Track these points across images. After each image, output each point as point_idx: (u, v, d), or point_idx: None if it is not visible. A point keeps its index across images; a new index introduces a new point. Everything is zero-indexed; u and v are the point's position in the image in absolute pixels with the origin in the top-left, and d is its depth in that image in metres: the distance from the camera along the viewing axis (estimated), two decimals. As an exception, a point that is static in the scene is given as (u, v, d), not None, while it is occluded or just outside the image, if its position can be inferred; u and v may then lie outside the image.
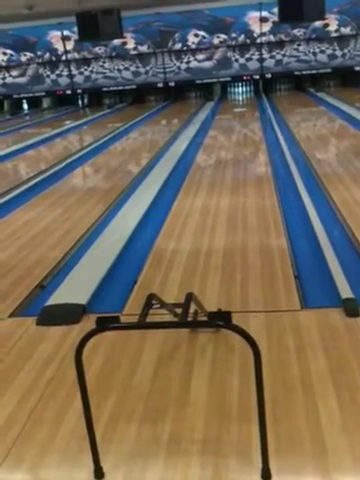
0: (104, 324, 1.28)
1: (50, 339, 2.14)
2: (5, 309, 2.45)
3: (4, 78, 13.21)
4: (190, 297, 1.51)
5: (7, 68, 13.10)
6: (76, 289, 2.59)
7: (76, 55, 12.74)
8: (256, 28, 12.03)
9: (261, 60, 12.29)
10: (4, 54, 12.97)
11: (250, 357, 1.31)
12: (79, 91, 13.04)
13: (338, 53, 12.09)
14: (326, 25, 11.76)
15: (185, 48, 12.34)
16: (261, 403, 1.28)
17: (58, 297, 2.49)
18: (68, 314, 2.28)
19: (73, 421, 1.62)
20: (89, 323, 2.18)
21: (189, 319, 1.62)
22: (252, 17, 11.97)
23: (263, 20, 11.92)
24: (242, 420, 1.59)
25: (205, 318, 1.85)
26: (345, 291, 2.32)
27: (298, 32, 12.01)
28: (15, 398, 1.79)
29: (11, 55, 12.94)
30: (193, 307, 1.92)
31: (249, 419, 1.56)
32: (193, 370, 1.86)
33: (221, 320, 1.27)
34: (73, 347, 1.34)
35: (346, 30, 11.87)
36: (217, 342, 2.01)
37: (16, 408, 1.74)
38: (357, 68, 12.01)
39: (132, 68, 12.66)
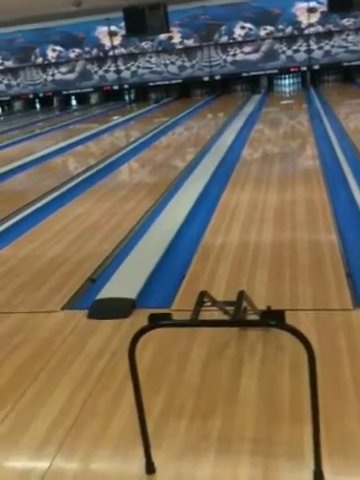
0: (157, 321, 1.29)
1: (101, 332, 2.18)
2: (59, 301, 2.51)
3: (53, 75, 13.50)
4: (242, 295, 1.49)
5: (56, 65, 13.38)
6: (126, 283, 2.62)
7: (123, 50, 12.86)
8: (304, 19, 11.76)
9: (309, 51, 12.01)
10: (53, 51, 13.24)
11: (301, 356, 1.29)
12: (126, 86, 13.16)
13: (390, 42, 11.67)
14: (378, 13, 11.37)
15: (231, 41, 12.22)
16: (315, 407, 1.26)
17: (108, 291, 2.53)
18: (119, 308, 2.31)
19: (125, 415, 1.65)
20: (139, 318, 2.20)
21: (240, 317, 1.61)
22: (300, 8, 11.71)
23: (311, 11, 11.63)
24: (293, 420, 1.56)
25: (255, 316, 1.84)
26: None
27: (347, 22, 11.65)
28: (67, 390, 1.83)
29: (60, 51, 13.20)
30: (243, 304, 1.91)
31: (301, 420, 1.54)
32: (243, 368, 1.85)
33: (274, 319, 1.25)
34: (123, 341, 1.35)
35: None
36: (267, 340, 1.98)
37: (69, 400, 1.78)
38: None
39: (178, 62, 12.65)
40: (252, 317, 1.88)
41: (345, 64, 11.92)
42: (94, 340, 2.13)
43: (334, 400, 1.65)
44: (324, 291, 2.38)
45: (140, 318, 2.07)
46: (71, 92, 13.60)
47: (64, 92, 13.58)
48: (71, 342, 2.15)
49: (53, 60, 13.33)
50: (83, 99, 13.71)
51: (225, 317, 1.81)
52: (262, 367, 1.85)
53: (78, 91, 13.51)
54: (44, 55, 13.31)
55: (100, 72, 13.19)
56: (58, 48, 13.19)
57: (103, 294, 2.49)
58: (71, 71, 13.36)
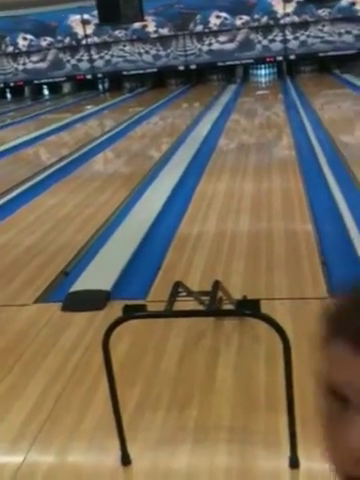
0: (131, 312, 1.27)
1: (75, 325, 2.15)
2: (31, 294, 2.47)
3: (25, 64, 13.21)
4: (217, 285, 1.48)
5: (28, 53, 13.09)
6: (100, 275, 2.59)
7: (96, 39, 12.66)
8: (279, 9, 11.75)
9: (285, 41, 12.03)
10: (24, 39, 12.96)
11: (277, 345, 1.29)
12: (99, 75, 12.97)
13: (364, 33, 11.75)
14: (352, 4, 11.41)
15: (207, 30, 12.15)
16: (290, 395, 1.26)
17: (83, 283, 2.49)
18: (93, 300, 2.28)
19: (100, 407, 1.62)
20: (114, 309, 2.17)
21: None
22: (275, -3, 11.70)
23: (287, 0, 11.63)
24: (270, 409, 1.57)
25: (231, 305, 1.83)
26: (374, 278, 2.27)
27: (323, 12, 11.69)
28: (42, 384, 1.80)
29: (31, 40, 12.92)
30: (218, 294, 1.90)
31: (276, 408, 1.54)
32: (219, 358, 1.84)
33: (250, 309, 1.25)
34: (98, 334, 1.33)
35: (374, 9, 11.51)
36: (242, 330, 1.98)
37: (43, 394, 1.75)
38: (384, 48, 11.68)
39: (153, 51, 12.52)
40: (228, 307, 1.87)
41: (321, 54, 11.97)
42: (68, 333, 2.10)
43: (309, 388, 1.66)
44: (300, 280, 2.39)
45: (115, 310, 2.05)
46: (43, 81, 13.34)
47: (36, 81, 13.30)
48: (45, 335, 2.11)
49: (24, 49, 13.03)
50: (55, 88, 13.46)
51: (200, 307, 1.80)
52: (238, 357, 1.84)
53: (50, 80, 13.25)
54: (15, 44, 13.01)
55: (73, 61, 12.97)
56: (29, 37, 12.91)
57: (77, 286, 2.46)
58: (43, 60, 13.10)
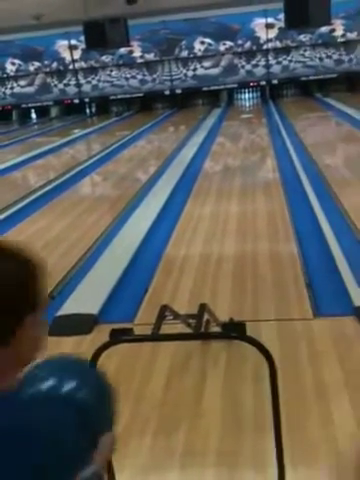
0: (118, 336, 1.28)
1: (62, 350, 2.14)
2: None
3: (12, 88, 13.32)
4: (204, 308, 1.50)
5: (15, 78, 13.22)
6: (88, 298, 2.59)
7: (83, 64, 12.83)
8: (262, 34, 12.05)
9: (267, 66, 12.30)
10: (12, 64, 13.09)
11: (263, 366, 1.30)
12: (87, 100, 13.12)
13: (345, 58, 12.08)
14: (332, 30, 11.75)
15: (191, 55, 12.38)
16: (277, 417, 1.28)
17: (70, 307, 2.49)
18: (80, 324, 2.28)
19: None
20: (101, 333, 2.17)
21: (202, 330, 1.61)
22: (258, 24, 12.00)
23: (269, 26, 11.94)
24: (256, 431, 1.57)
25: (218, 328, 1.85)
26: (358, 299, 2.31)
27: (304, 38, 12.01)
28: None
29: (19, 65, 13.05)
30: (205, 317, 1.91)
31: (263, 429, 1.54)
32: (206, 380, 1.85)
33: (236, 331, 1.27)
34: (85, 358, 1.33)
35: (352, 35, 11.86)
36: (229, 351, 2.00)
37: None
38: (364, 73, 11.99)
39: (139, 76, 12.72)
40: (214, 329, 1.89)
41: (303, 79, 12.26)
42: (56, 357, 2.09)
43: (297, 408, 1.67)
44: (285, 301, 2.42)
45: (102, 334, 2.05)
46: (31, 105, 13.44)
47: (23, 105, 13.40)
48: (32, 360, 2.10)
49: (12, 73, 13.16)
50: (43, 112, 13.57)
51: (187, 330, 1.82)
52: (225, 379, 1.85)
53: (38, 104, 13.36)
54: (3, 68, 13.13)
55: (60, 85, 13.11)
56: (17, 61, 13.05)
57: (64, 310, 2.46)
58: (30, 84, 13.22)
